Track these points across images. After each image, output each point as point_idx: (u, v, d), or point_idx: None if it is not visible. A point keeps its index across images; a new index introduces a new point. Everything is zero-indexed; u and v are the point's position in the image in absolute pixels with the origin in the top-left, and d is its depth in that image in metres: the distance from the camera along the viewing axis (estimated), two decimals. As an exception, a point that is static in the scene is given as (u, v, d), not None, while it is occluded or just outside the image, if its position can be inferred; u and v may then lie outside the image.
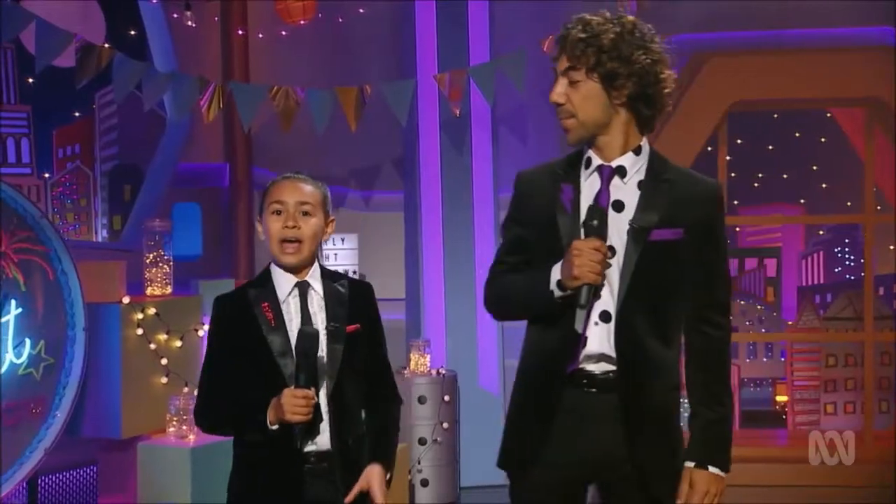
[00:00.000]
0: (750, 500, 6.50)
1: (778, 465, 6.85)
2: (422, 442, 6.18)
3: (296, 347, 2.85)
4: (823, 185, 9.94)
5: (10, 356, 4.79)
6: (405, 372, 6.39)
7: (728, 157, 9.95)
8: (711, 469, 2.72)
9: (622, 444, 2.70)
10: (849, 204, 9.17)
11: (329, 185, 7.48)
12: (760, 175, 10.22)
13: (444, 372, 6.37)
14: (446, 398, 6.22)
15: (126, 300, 5.18)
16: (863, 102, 6.87)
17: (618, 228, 2.71)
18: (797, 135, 10.04)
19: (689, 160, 6.86)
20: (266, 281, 2.99)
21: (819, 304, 8.55)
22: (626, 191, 2.74)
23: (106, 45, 5.92)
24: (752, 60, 6.76)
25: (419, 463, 6.17)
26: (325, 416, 2.90)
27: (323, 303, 2.96)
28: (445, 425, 6.20)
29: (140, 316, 5.19)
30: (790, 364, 7.94)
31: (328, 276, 3.03)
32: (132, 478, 5.16)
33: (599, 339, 2.71)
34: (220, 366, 2.98)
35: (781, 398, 8.29)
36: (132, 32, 7.23)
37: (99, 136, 7.56)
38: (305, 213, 2.94)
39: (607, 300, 2.71)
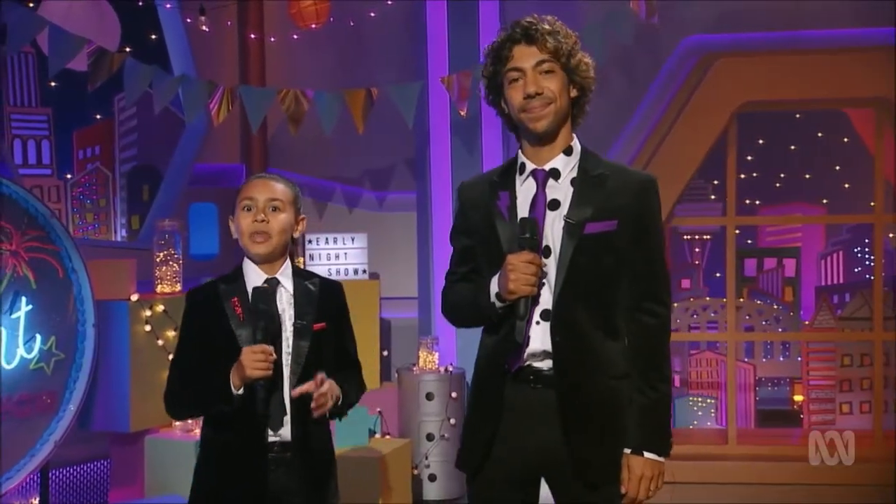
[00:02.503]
0: (765, 498, 6.54)
1: (790, 464, 6.85)
2: (429, 438, 6.27)
3: (251, 305, 2.95)
4: (846, 186, 9.89)
5: (20, 351, 4.95)
6: (414, 369, 6.49)
7: (749, 158, 10.00)
8: (647, 454, 2.81)
9: (562, 440, 2.80)
10: (872, 204, 9.12)
11: (343, 186, 7.65)
12: (782, 175, 10.19)
13: (451, 369, 6.45)
14: (454, 395, 6.31)
15: (135, 297, 5.33)
16: (871, 103, 6.86)
17: (554, 226, 2.82)
18: (820, 135, 10.00)
19: (698, 160, 6.92)
20: (237, 276, 3.09)
21: (837, 304, 8.53)
22: (561, 189, 2.86)
23: (118, 50, 6.08)
24: (761, 61, 6.77)
25: (427, 458, 6.26)
26: (288, 408, 3.00)
27: (292, 300, 3.06)
28: (453, 421, 6.27)
29: (148, 313, 5.33)
30: (806, 364, 7.96)
31: (299, 275, 3.13)
32: (141, 470, 5.30)
33: (541, 337, 2.82)
34: (189, 355, 3.09)
35: (799, 398, 8.29)
36: (153, 37, 7.35)
37: (118, 137, 7.72)
38: (275, 209, 3.04)
39: (547, 299, 2.82)
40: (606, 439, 2.83)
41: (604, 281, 2.83)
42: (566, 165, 2.87)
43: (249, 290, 3.03)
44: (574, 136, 2.93)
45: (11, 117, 7.13)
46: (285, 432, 3.01)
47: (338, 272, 6.44)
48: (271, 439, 3.00)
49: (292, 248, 3.17)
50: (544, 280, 2.81)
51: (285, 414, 3.00)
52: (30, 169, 7.22)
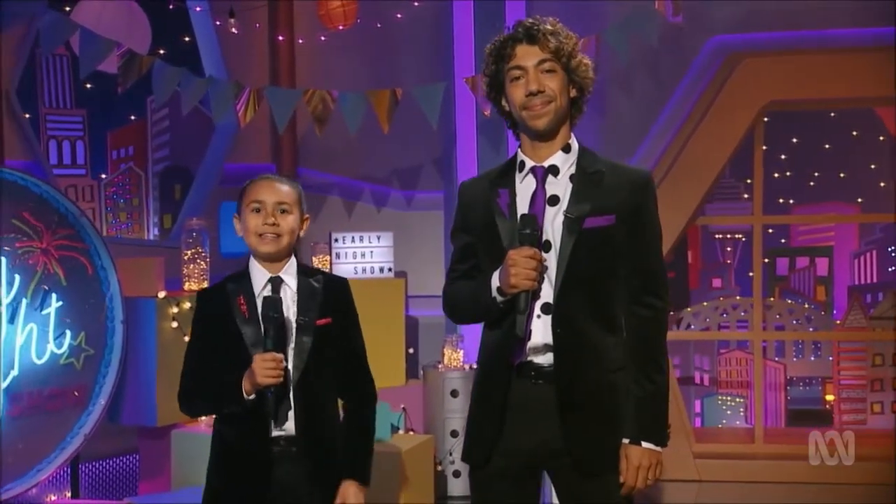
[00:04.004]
0: (791, 498, 6.53)
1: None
2: (454, 434, 6.33)
3: (261, 314, 3.02)
4: (882, 185, 9.83)
5: (51, 346, 5.08)
6: (439, 366, 6.56)
7: (783, 157, 9.97)
8: (645, 444, 2.85)
9: (561, 433, 2.85)
10: (907, 203, 9.06)
11: (372, 185, 7.71)
12: (816, 174, 10.15)
13: (476, 367, 6.50)
14: (478, 392, 6.35)
15: (162, 294, 5.45)
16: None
17: (554, 222, 2.87)
18: (855, 133, 9.95)
19: (724, 159, 6.93)
20: (244, 276, 3.15)
21: (870, 304, 8.50)
22: (560, 185, 2.91)
23: (152, 53, 6.22)
24: (786, 60, 6.76)
25: (451, 455, 6.32)
26: (292, 403, 3.07)
27: (296, 297, 3.12)
28: (477, 419, 6.32)
29: (175, 309, 5.45)
30: (836, 363, 7.93)
31: (304, 272, 3.18)
32: (168, 463, 5.42)
33: (543, 331, 2.87)
34: (200, 354, 3.16)
35: (830, 397, 8.28)
36: (186, 39, 7.48)
37: (151, 138, 7.87)
38: (283, 211, 3.11)
39: (548, 293, 2.87)
40: (605, 431, 2.88)
41: (603, 274, 2.89)
42: (565, 162, 2.93)
43: (255, 288, 3.10)
44: (572, 134, 2.99)
45: (47, 118, 7.29)
46: (290, 427, 3.07)
47: (364, 270, 6.53)
48: (276, 434, 3.07)
49: (297, 246, 3.23)
50: (545, 274, 2.87)
51: (290, 409, 3.06)
52: (64, 169, 7.37)
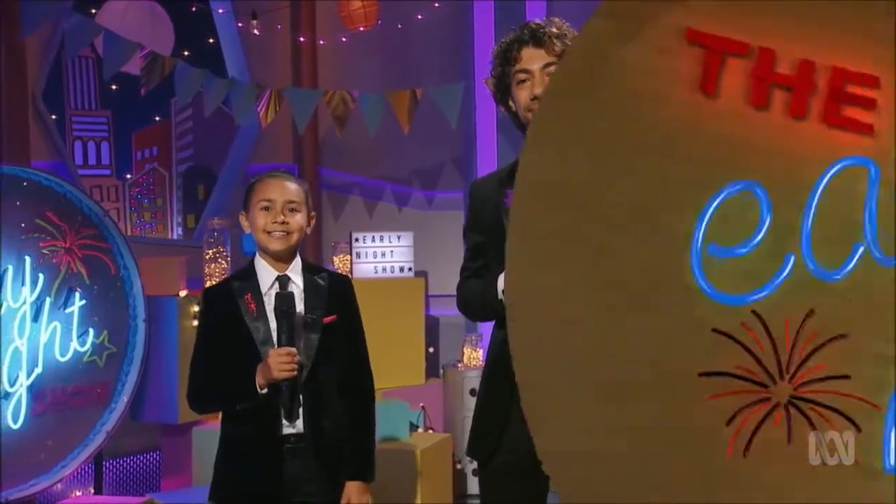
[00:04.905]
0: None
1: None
2: (473, 433, 6.36)
3: (274, 309, 3.04)
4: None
5: (74, 344, 5.14)
6: (459, 365, 6.60)
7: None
8: None
9: None
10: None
11: (393, 185, 7.73)
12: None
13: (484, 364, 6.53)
14: (497, 391, 6.38)
15: (183, 293, 5.51)
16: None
17: None
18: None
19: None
20: (250, 274, 3.18)
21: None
22: None
23: (177, 55, 6.29)
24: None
25: (470, 453, 6.35)
26: (301, 400, 3.09)
27: (302, 295, 3.15)
28: (495, 417, 6.34)
29: (196, 308, 5.50)
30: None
31: (308, 270, 3.22)
32: (189, 460, 5.48)
33: None
34: (208, 352, 3.17)
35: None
36: (210, 41, 7.55)
37: (175, 139, 7.94)
38: (292, 210, 3.15)
39: None
40: None
41: None
42: None
43: (262, 286, 3.13)
44: None
45: (72, 119, 7.36)
46: (299, 424, 3.10)
47: (384, 270, 6.58)
48: (286, 431, 3.09)
49: (305, 245, 3.27)
50: None
51: (300, 406, 3.10)
52: (90, 169, 7.46)
